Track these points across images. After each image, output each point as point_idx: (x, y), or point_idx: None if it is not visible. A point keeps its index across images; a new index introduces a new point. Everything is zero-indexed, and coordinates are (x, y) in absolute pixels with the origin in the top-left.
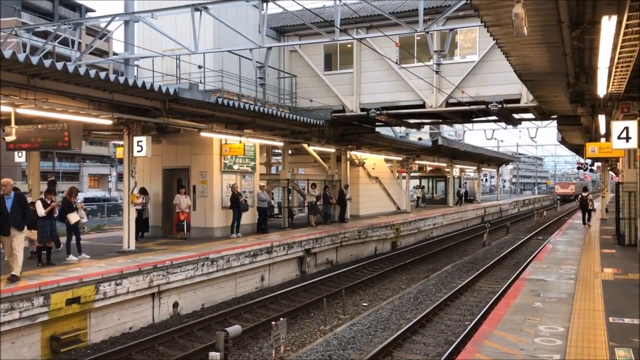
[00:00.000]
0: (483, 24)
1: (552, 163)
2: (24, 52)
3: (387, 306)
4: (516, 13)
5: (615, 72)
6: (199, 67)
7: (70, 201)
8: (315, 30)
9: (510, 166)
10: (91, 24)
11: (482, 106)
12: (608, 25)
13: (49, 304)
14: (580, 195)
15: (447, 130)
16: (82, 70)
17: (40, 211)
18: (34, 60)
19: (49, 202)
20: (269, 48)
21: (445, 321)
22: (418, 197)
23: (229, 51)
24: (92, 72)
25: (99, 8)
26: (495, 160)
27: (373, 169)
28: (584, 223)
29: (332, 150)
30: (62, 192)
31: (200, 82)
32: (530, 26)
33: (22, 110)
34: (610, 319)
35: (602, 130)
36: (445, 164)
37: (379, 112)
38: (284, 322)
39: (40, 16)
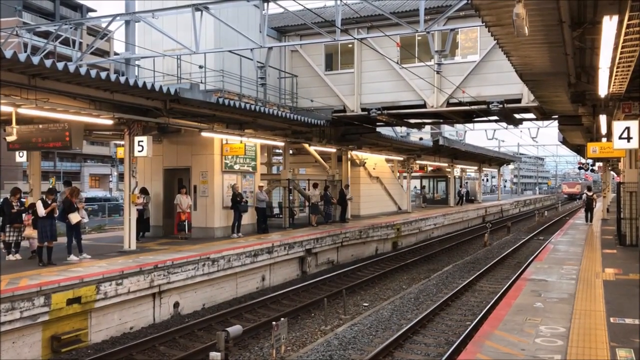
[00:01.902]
0: (484, 24)
1: (553, 163)
2: (25, 52)
3: (388, 306)
4: (517, 13)
5: (617, 72)
6: (200, 67)
7: (72, 201)
8: (316, 30)
9: (511, 166)
10: (92, 24)
11: (483, 106)
12: (609, 25)
13: (49, 303)
14: (585, 194)
15: (448, 130)
16: (83, 70)
17: (41, 211)
18: (35, 60)
19: (49, 202)
20: (270, 48)
21: (446, 321)
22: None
23: (230, 51)
24: (93, 72)
25: (100, 8)
26: (496, 160)
27: (374, 168)
28: (587, 221)
29: (333, 150)
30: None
31: (201, 82)
32: (531, 26)
33: (23, 110)
34: (612, 320)
35: (604, 131)
36: (446, 164)
37: (379, 112)
38: (284, 322)
39: (42, 16)
